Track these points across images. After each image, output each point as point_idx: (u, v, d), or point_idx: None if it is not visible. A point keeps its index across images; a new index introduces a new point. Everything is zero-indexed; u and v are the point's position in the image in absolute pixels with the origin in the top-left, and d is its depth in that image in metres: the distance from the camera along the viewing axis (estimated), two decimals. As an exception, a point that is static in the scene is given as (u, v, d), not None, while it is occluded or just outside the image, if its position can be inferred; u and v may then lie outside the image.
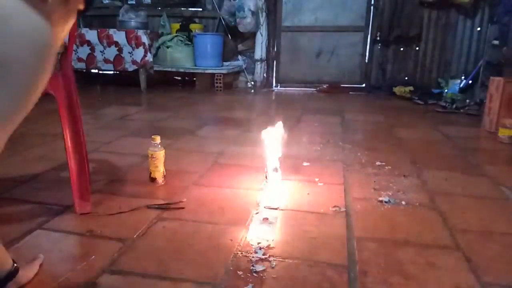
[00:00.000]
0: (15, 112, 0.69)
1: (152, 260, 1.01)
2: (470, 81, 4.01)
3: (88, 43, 4.23)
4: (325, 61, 4.62)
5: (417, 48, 4.33)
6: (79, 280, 0.92)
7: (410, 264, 1.01)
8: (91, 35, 4.21)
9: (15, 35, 0.63)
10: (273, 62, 4.74)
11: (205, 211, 1.30)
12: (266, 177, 1.54)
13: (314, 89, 4.60)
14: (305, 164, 1.83)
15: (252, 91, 4.56)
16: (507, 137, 2.31)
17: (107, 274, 0.95)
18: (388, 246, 1.10)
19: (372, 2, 4.33)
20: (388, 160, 1.89)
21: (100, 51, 4.24)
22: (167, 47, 4.31)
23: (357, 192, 1.50)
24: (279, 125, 1.56)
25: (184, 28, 4.51)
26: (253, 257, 1.02)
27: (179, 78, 5.03)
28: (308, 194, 1.47)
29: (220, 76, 4.31)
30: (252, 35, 4.54)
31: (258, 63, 4.61)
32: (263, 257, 1.03)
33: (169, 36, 4.36)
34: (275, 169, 1.53)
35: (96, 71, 4.56)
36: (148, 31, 4.25)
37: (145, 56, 4.15)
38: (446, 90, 4.04)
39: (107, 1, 4.96)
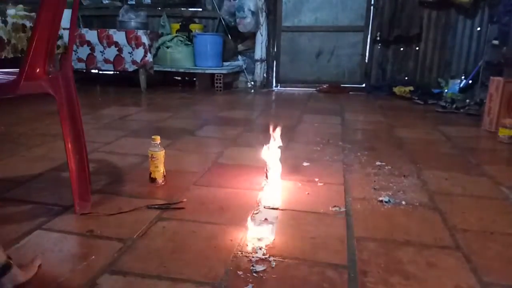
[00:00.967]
0: None
1: (152, 260, 1.01)
2: (470, 81, 4.01)
3: (88, 43, 4.23)
4: (325, 61, 4.62)
5: (417, 48, 4.33)
6: (79, 280, 0.92)
7: (410, 264, 1.01)
8: (91, 35, 4.21)
9: None
10: (273, 62, 4.74)
11: (205, 211, 1.30)
12: (266, 177, 1.54)
13: (314, 89, 4.60)
14: (305, 164, 1.83)
15: (252, 91, 4.56)
16: (507, 137, 2.31)
17: (107, 274, 0.95)
18: (388, 246, 1.10)
19: (372, 2, 4.34)
20: (388, 160, 1.89)
21: (100, 51, 4.24)
22: (167, 47, 4.31)
23: (357, 192, 1.50)
24: (277, 135, 1.55)
25: (184, 28, 4.51)
26: (253, 257, 1.02)
27: (179, 78, 5.04)
28: (308, 194, 1.47)
29: (220, 76, 4.31)
30: (252, 35, 4.54)
31: (258, 63, 4.61)
32: (263, 257, 1.02)
33: (169, 36, 4.36)
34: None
35: (96, 71, 4.57)
36: (148, 31, 4.25)
37: (145, 56, 4.15)
38: (446, 90, 4.04)
39: (107, 1, 4.96)
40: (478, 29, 4.11)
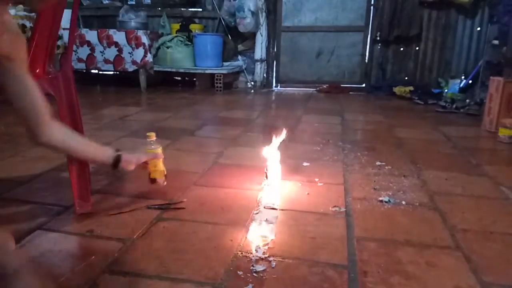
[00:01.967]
0: None
1: (152, 260, 1.01)
2: (470, 81, 4.01)
3: (88, 43, 4.24)
4: (325, 61, 4.62)
5: (417, 48, 4.33)
6: (79, 280, 0.92)
7: (410, 264, 1.01)
8: (91, 35, 4.21)
9: None
10: (273, 62, 4.74)
11: (205, 211, 1.30)
12: (266, 177, 1.54)
13: (314, 89, 4.60)
14: (305, 164, 1.83)
15: (252, 91, 4.56)
16: (507, 137, 2.31)
17: (107, 274, 0.95)
18: (388, 246, 1.10)
19: (372, 2, 4.34)
20: (388, 160, 1.89)
21: (100, 52, 4.24)
22: (167, 47, 4.31)
23: (357, 192, 1.50)
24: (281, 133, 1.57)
25: (184, 29, 4.51)
26: (253, 257, 1.02)
27: (179, 78, 5.03)
28: (308, 194, 1.47)
29: (220, 76, 4.31)
30: (252, 35, 4.53)
31: (258, 63, 4.61)
32: (263, 257, 1.02)
33: (169, 37, 4.36)
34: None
35: (96, 71, 4.56)
36: (148, 31, 4.25)
37: (145, 56, 4.15)
38: (446, 90, 4.04)
39: (107, 1, 4.96)
40: (478, 29, 4.11)
